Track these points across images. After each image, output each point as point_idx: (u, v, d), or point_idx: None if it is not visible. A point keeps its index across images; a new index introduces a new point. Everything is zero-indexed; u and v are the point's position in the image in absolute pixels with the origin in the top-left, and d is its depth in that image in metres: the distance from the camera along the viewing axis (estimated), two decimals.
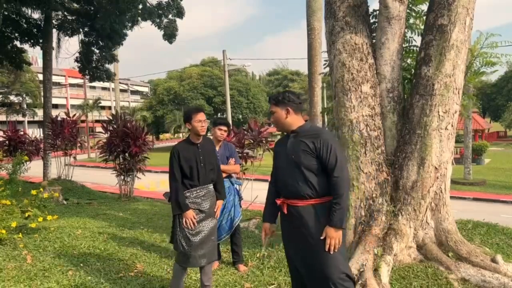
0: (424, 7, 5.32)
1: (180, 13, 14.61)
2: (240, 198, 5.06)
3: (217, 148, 4.72)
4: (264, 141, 9.01)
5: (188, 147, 3.80)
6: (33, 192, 6.07)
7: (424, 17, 5.27)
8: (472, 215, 7.10)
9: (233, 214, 4.79)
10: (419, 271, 4.25)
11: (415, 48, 5.42)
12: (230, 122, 25.61)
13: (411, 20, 5.38)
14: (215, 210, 3.95)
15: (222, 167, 4.69)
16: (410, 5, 5.23)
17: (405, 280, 4.16)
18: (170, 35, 14.63)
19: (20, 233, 5.66)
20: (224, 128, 4.75)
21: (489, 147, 27.86)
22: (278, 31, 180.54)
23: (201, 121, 3.74)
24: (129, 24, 14.42)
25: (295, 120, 2.91)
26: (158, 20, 14.31)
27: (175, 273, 3.82)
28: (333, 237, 2.73)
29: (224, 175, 4.72)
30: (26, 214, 5.88)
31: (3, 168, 6.70)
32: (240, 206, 5.03)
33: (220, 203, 4.01)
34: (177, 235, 3.74)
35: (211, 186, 3.91)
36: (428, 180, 4.51)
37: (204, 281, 3.85)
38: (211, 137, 4.79)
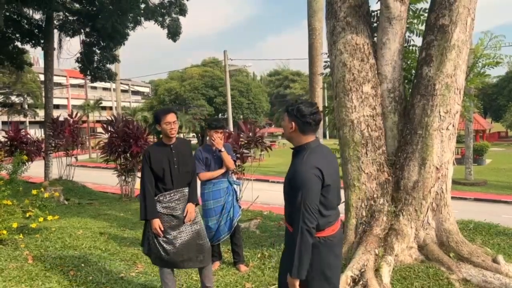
0: (421, 5, 5.33)
1: (182, 11, 14.64)
2: (238, 199, 5.05)
3: (213, 148, 4.72)
4: (260, 141, 8.94)
5: (160, 149, 3.67)
6: (34, 191, 6.07)
7: (422, 16, 5.28)
8: (473, 216, 7.08)
9: (232, 215, 4.77)
10: (420, 272, 4.25)
11: (413, 48, 5.43)
12: (231, 122, 25.67)
13: (409, 20, 5.38)
14: (185, 214, 3.67)
15: (224, 153, 4.67)
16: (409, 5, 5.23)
17: (406, 280, 4.16)
18: (174, 33, 14.65)
19: (21, 234, 5.66)
20: (221, 130, 4.73)
21: (490, 147, 27.81)
22: (279, 31, 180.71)
23: (170, 123, 3.56)
24: (131, 24, 14.44)
25: (297, 138, 2.58)
26: (161, 19, 14.33)
27: (162, 277, 3.70)
28: (288, 282, 2.45)
29: (222, 171, 4.72)
30: (27, 214, 5.88)
31: (3, 169, 6.70)
32: (240, 206, 5.03)
33: (190, 206, 3.72)
34: (150, 239, 3.62)
35: (186, 190, 3.75)
36: (429, 180, 4.51)
37: (205, 282, 3.81)
38: (207, 140, 4.79)
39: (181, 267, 3.74)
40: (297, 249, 2.38)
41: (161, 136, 3.78)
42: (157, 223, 3.55)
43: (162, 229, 3.57)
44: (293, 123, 2.54)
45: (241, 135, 8.78)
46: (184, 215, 3.68)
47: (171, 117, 3.58)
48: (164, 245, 3.58)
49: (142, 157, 3.65)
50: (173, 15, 14.65)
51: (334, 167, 2.58)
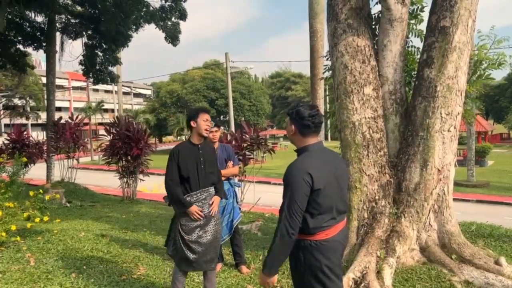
0: (418, 5, 5.34)
1: (183, 16, 14.68)
2: (238, 201, 5.05)
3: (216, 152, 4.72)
4: (263, 143, 8.93)
5: (188, 148, 3.71)
6: (31, 193, 6.07)
7: (419, 16, 5.30)
8: (476, 217, 7.08)
9: (232, 216, 4.78)
10: (422, 274, 4.24)
11: (412, 49, 5.43)
12: (233, 124, 25.69)
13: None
14: (210, 202, 3.73)
15: (221, 171, 4.68)
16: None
17: (408, 282, 4.15)
18: (173, 37, 14.70)
19: (18, 236, 5.62)
20: (215, 128, 4.71)
21: (492, 149, 27.75)
22: (280, 33, 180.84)
23: (208, 120, 3.69)
24: (134, 27, 14.49)
25: (298, 140, 2.57)
26: (161, 23, 14.38)
27: (174, 279, 3.71)
28: (260, 277, 2.51)
29: (223, 178, 4.73)
30: (25, 215, 5.88)
31: (4, 171, 6.71)
32: (240, 208, 5.03)
33: (216, 199, 3.80)
34: (177, 241, 3.64)
35: (212, 190, 3.80)
36: (431, 182, 4.50)
37: (208, 286, 3.80)
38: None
39: (204, 268, 3.73)
40: (272, 247, 2.40)
41: (189, 136, 3.81)
42: (195, 208, 3.59)
43: (201, 212, 3.61)
44: (293, 126, 2.54)
45: (244, 136, 8.76)
46: (210, 203, 3.72)
47: (208, 117, 3.72)
48: (192, 245, 3.58)
49: (170, 154, 3.67)
50: (173, 20, 14.69)
51: (334, 171, 2.52)
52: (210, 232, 3.69)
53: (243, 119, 40.69)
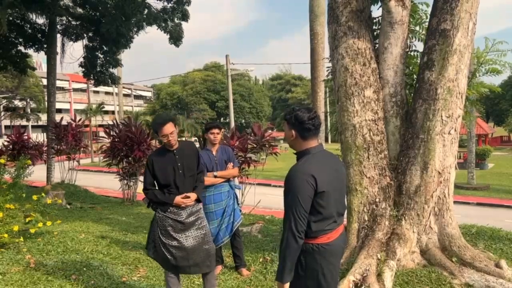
0: (422, 13, 5.35)
1: (185, 16, 14.71)
2: (238, 203, 5.05)
3: (214, 152, 4.72)
4: (267, 145, 8.95)
5: (163, 155, 3.62)
6: (34, 197, 6.07)
7: (424, 24, 5.30)
8: (476, 220, 7.07)
9: (233, 218, 4.77)
10: (423, 276, 4.24)
11: (415, 53, 5.44)
12: (233, 126, 25.73)
13: (411, 27, 5.39)
14: (190, 208, 3.63)
15: (220, 173, 4.68)
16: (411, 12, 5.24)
17: (408, 285, 4.15)
18: (176, 38, 14.74)
19: (22, 237, 5.65)
20: (216, 130, 4.71)
21: (492, 151, 27.74)
22: (281, 35, 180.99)
23: (166, 136, 3.48)
24: (135, 29, 14.52)
25: (299, 144, 2.53)
26: (163, 24, 14.41)
27: (167, 280, 3.68)
28: (277, 286, 2.47)
29: (222, 180, 4.72)
30: (27, 220, 5.89)
31: (7, 173, 6.71)
32: (240, 210, 5.03)
33: (192, 195, 3.63)
34: (156, 243, 3.61)
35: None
36: (432, 184, 4.50)
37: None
38: (207, 144, 4.80)
39: (188, 272, 3.71)
40: (281, 253, 2.36)
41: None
42: (178, 198, 3.54)
43: (186, 198, 3.55)
44: (294, 131, 2.51)
45: (252, 138, 8.80)
46: (190, 209, 3.62)
47: (167, 129, 3.47)
48: (171, 249, 3.55)
49: (146, 163, 3.63)
50: (176, 21, 14.72)
51: (335, 174, 2.51)
52: (192, 237, 3.62)
53: (243, 121, 40.76)
